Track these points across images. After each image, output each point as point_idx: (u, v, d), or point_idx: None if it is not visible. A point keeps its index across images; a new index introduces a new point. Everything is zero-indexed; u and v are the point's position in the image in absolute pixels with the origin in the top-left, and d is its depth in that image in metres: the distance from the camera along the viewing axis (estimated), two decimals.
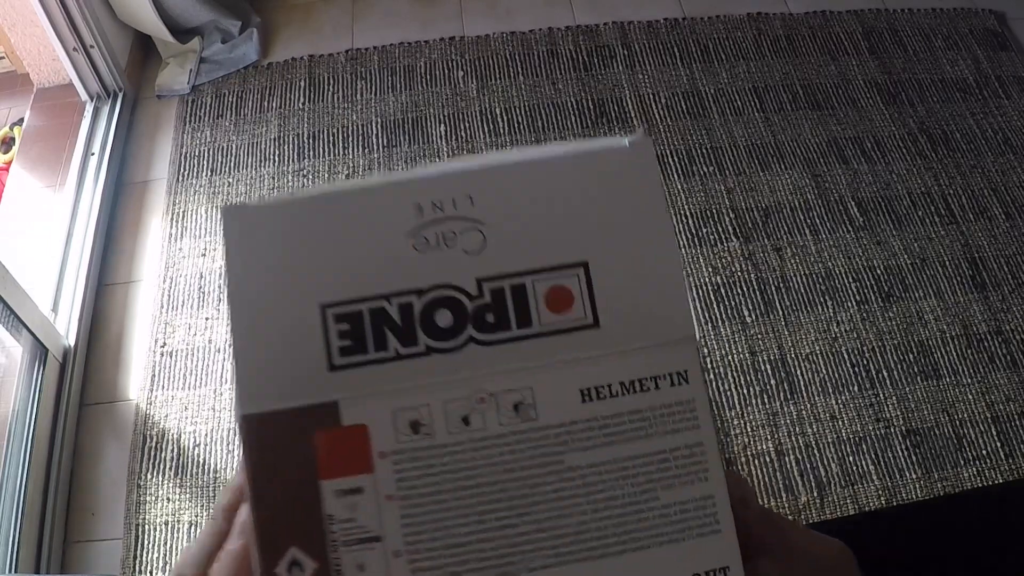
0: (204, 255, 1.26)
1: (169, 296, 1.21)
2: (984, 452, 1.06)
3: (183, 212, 1.32)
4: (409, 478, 0.21)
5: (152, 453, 1.08)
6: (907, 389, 1.11)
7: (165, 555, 1.03)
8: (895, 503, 1.04)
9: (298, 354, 0.22)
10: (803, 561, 0.24)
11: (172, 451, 1.08)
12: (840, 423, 1.08)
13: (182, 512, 1.04)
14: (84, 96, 1.46)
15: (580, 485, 0.22)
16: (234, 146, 1.39)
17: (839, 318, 1.18)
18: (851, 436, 1.07)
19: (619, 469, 0.22)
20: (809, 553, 0.24)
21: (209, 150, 1.39)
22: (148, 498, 1.05)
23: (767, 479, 1.04)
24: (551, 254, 0.23)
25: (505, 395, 0.22)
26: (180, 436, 1.10)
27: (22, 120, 1.48)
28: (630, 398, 0.22)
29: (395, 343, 0.22)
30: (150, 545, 1.02)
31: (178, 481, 1.06)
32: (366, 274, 0.22)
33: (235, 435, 1.06)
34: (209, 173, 1.36)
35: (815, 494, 1.03)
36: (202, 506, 1.05)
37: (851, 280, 1.22)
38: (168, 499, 1.05)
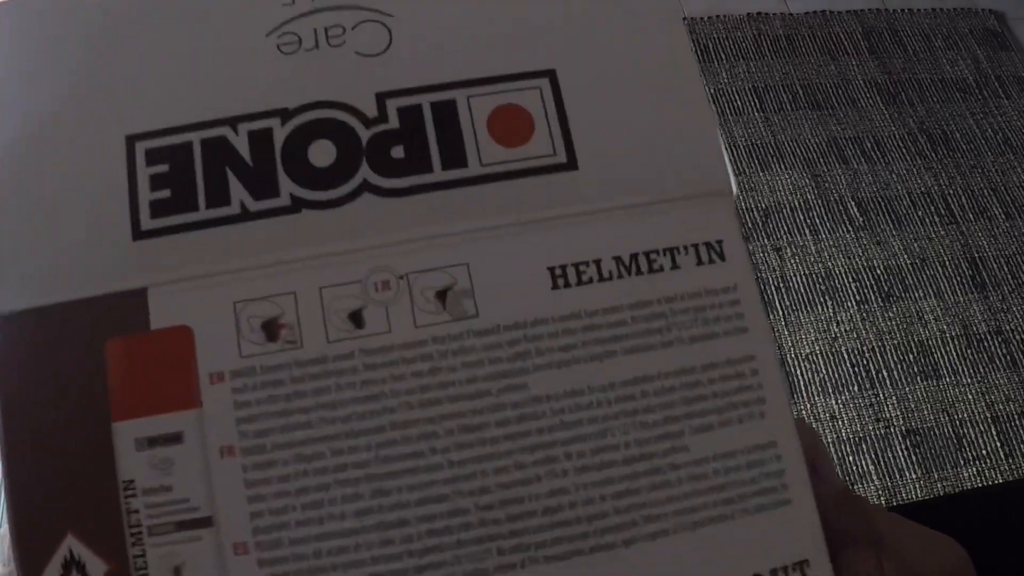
0: None
1: None
2: (984, 452, 1.06)
3: None
4: (259, 418, 0.13)
5: None
6: (907, 389, 1.11)
7: None
8: (895, 503, 1.04)
9: (87, 215, 0.13)
10: (908, 565, 0.17)
11: None
12: (840, 423, 1.08)
13: None
14: None
15: (553, 428, 0.14)
16: None
17: (839, 318, 1.18)
18: (851, 436, 1.07)
19: (617, 400, 0.14)
20: (922, 560, 0.18)
21: None
22: None
23: None
24: (499, 58, 0.14)
25: (423, 277, 0.14)
26: None
27: None
28: (630, 283, 0.14)
29: (242, 194, 0.13)
30: None
31: None
32: (200, 90, 0.13)
33: None
34: None
35: None
36: None
37: (851, 280, 1.22)
38: None
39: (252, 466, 0.13)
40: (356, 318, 0.14)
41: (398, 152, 0.14)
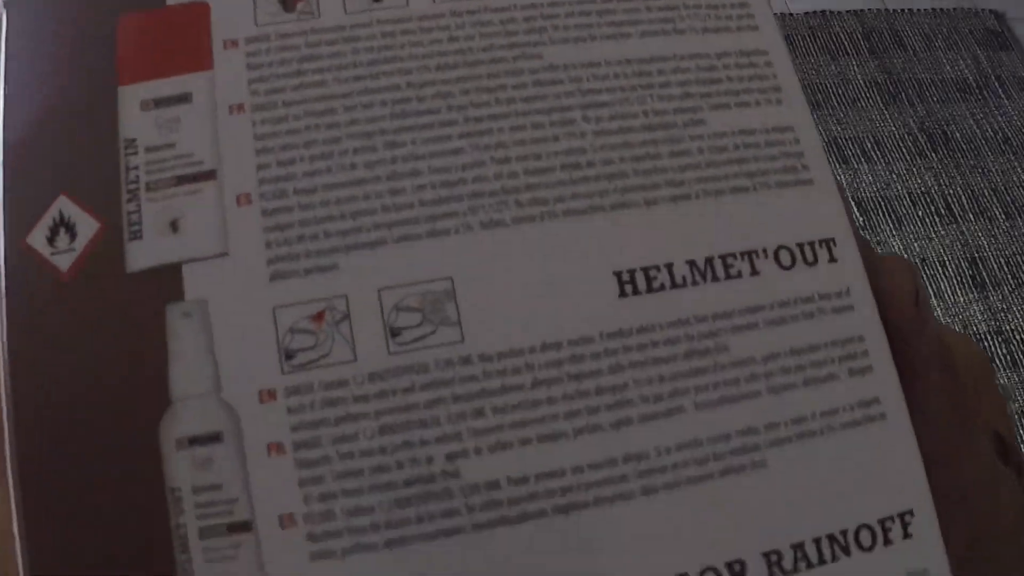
0: None
1: None
2: None
3: None
4: (272, 79, 0.14)
5: None
6: None
7: None
8: None
9: None
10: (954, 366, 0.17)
11: None
12: None
13: None
14: None
15: (571, 93, 0.15)
16: None
17: None
18: None
19: (634, 75, 0.15)
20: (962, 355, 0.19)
21: None
22: None
23: None
24: None
25: None
26: None
27: None
28: None
29: None
30: None
31: None
32: None
33: None
34: None
35: None
36: None
37: None
38: None
39: (261, 121, 0.13)
40: None
41: None
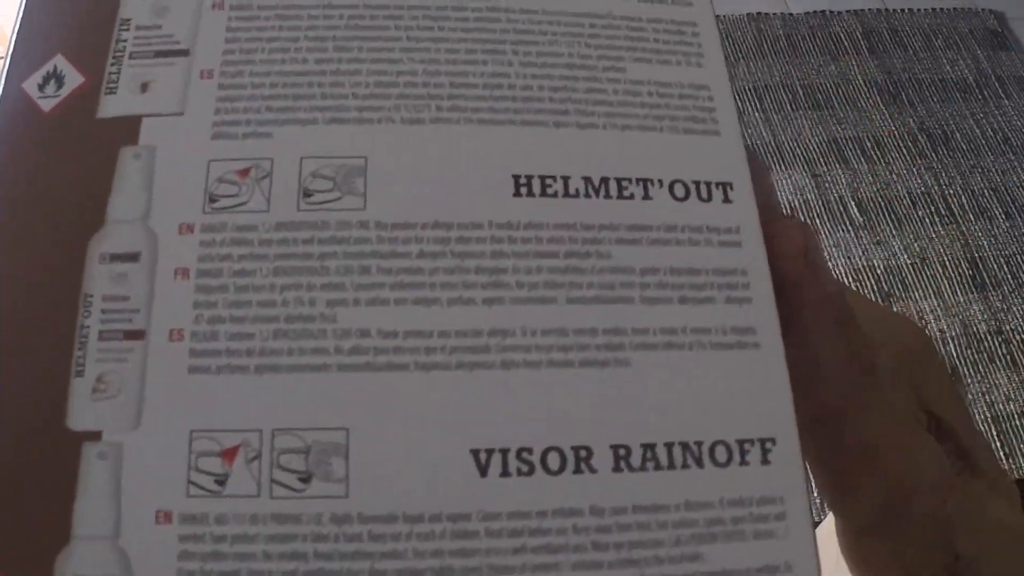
0: None
1: None
2: None
3: None
4: None
5: None
6: None
7: None
8: None
9: None
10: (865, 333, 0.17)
11: None
12: None
13: None
14: None
15: (504, 31, 0.17)
16: None
17: None
18: None
19: (566, 24, 0.17)
20: (881, 332, 0.18)
21: None
22: None
23: None
24: None
25: None
26: None
27: None
28: None
29: None
30: None
31: None
32: None
33: None
34: None
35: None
36: None
37: (851, 280, 1.22)
38: None
39: (236, 17, 0.16)
40: None
41: None
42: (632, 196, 0.16)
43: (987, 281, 1.23)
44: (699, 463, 0.14)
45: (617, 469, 0.14)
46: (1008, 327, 1.17)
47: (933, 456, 0.17)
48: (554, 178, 0.15)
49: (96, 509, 0.13)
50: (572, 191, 0.15)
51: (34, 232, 0.14)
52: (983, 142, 1.40)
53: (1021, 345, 1.15)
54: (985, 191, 1.33)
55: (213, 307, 0.14)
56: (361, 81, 0.16)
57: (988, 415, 1.09)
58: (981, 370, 1.13)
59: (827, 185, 1.34)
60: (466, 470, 0.14)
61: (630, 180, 0.16)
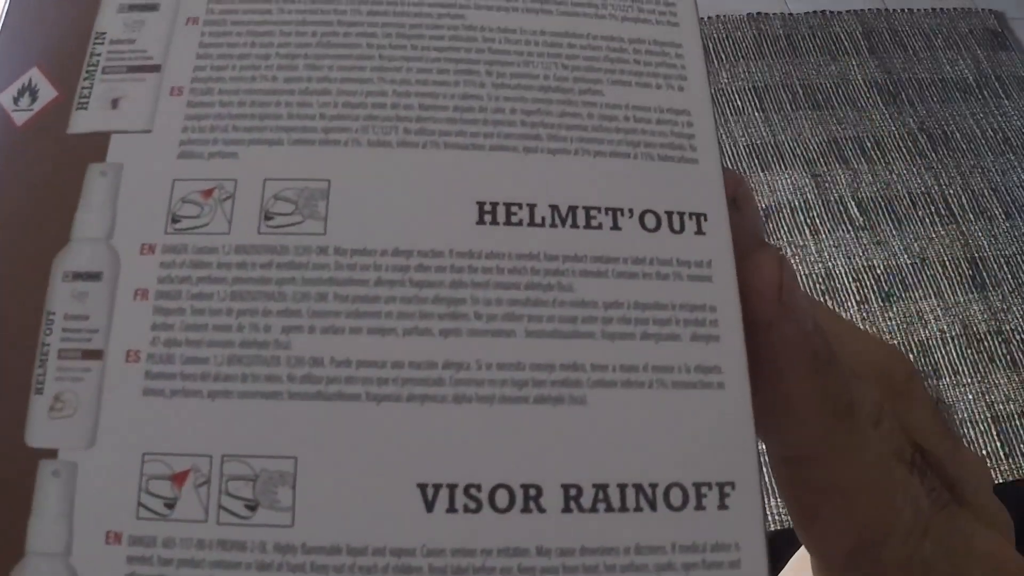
0: None
1: None
2: (984, 452, 1.06)
3: None
4: (226, 1, 0.16)
5: None
6: None
7: None
8: None
9: None
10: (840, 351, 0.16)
11: None
12: None
13: None
14: None
15: (480, 51, 0.16)
16: None
17: None
18: None
19: (546, 44, 0.16)
20: (855, 353, 0.17)
21: None
22: None
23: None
24: None
25: None
26: None
27: None
28: None
29: None
30: None
31: None
32: None
33: None
34: None
35: None
36: None
37: (851, 280, 1.22)
38: None
39: (210, 33, 0.16)
40: None
41: None
42: (600, 226, 0.15)
43: (987, 281, 1.23)
44: (652, 506, 0.14)
45: (567, 509, 0.13)
46: (1008, 327, 1.17)
47: (910, 498, 0.17)
48: (520, 205, 0.15)
49: (49, 526, 0.13)
50: (538, 220, 0.15)
51: (1, 247, 0.15)
52: (983, 142, 1.40)
53: (1021, 345, 1.15)
54: (985, 191, 1.33)
55: (170, 329, 0.14)
56: (330, 101, 0.16)
57: (988, 415, 1.09)
58: (981, 370, 1.13)
59: (827, 185, 1.34)
60: (412, 504, 0.13)
61: (599, 209, 0.15)
